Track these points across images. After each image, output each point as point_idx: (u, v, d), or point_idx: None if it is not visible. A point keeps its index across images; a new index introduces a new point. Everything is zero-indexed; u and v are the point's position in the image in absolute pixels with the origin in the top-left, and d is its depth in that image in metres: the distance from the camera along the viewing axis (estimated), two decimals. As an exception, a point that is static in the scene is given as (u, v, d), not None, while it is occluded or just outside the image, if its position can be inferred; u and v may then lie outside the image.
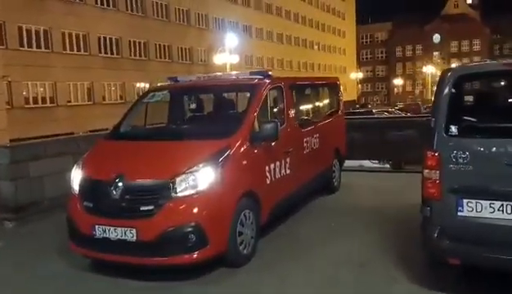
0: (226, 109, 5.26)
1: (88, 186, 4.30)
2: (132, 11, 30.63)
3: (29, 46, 24.45)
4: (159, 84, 5.91)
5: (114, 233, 4.02)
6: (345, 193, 7.09)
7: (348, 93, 65.00)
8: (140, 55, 31.41)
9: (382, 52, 75.72)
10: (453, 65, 4.25)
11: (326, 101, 7.22)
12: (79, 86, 27.30)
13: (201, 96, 5.50)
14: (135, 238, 3.97)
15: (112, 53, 29.23)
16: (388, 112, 30.15)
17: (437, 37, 70.13)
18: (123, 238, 4.00)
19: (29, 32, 24.39)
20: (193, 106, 5.33)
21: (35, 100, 25.04)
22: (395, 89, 73.86)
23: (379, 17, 74.06)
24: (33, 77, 24.36)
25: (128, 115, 5.33)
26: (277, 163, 5.04)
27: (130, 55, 30.53)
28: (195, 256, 3.98)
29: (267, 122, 4.72)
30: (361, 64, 72.34)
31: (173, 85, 5.64)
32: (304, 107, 6.19)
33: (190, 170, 4.03)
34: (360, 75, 67.19)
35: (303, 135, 5.86)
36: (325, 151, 6.60)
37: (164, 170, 4.10)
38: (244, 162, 4.47)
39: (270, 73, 5.33)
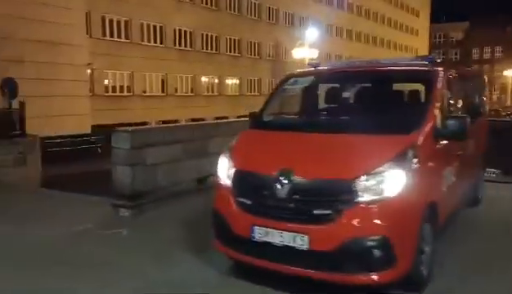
0: (394, 100, 4.46)
1: (245, 180, 3.69)
2: (206, 4, 30.63)
3: (111, 35, 25.06)
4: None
5: (280, 237, 3.40)
6: (492, 206, 6.10)
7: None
8: (211, 49, 31.36)
9: (456, 53, 71.43)
10: None
11: (478, 97, 6.25)
12: (154, 77, 27.65)
13: (356, 84, 4.74)
14: (307, 246, 3.31)
15: (186, 46, 29.37)
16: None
17: (519, 39, 64.99)
18: (291, 244, 3.36)
19: (111, 22, 24.99)
20: (347, 95, 4.60)
21: (114, 89, 25.65)
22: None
23: (454, 16, 69.86)
24: (113, 66, 24.93)
25: (270, 102, 4.69)
26: (451, 168, 4.22)
27: (202, 49, 30.56)
28: (376, 277, 3.26)
29: (454, 118, 3.92)
30: (432, 65, 68.55)
31: (321, 70, 4.93)
32: (465, 102, 5.28)
33: (377, 170, 3.31)
34: None
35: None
36: (475, 156, 5.67)
37: (344, 168, 3.40)
38: (430, 165, 3.69)
39: (438, 59, 4.49)
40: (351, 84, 4.71)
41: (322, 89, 5.16)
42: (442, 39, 72.57)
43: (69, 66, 18.94)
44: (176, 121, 28.49)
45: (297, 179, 3.41)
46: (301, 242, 3.33)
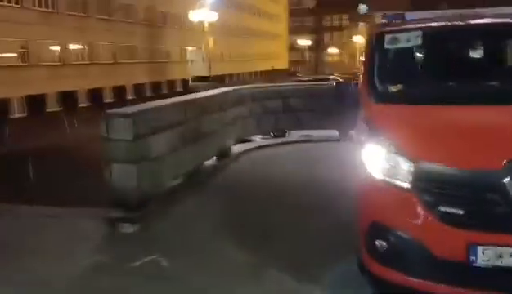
0: None
1: (446, 181, 2.56)
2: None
3: None
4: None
5: None
6: None
7: (281, 61, 64.79)
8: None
9: (310, 21, 76.10)
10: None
11: None
12: (12, 44, 22.83)
13: (484, 40, 3.72)
14: None
15: (47, 7, 24.84)
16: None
17: (363, 8, 71.90)
18: None
19: None
20: (477, 54, 3.73)
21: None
22: (324, 58, 75.19)
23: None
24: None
25: (377, 68, 3.59)
26: None
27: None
28: None
29: None
30: (291, 31, 72.06)
31: (433, 25, 3.97)
32: None
33: None
34: (308, 42, 67.30)
35: None
36: None
37: None
38: None
39: None
40: (478, 41, 3.80)
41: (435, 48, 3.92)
42: (296, 7, 76.28)
43: None
44: (43, 95, 24.37)
45: None
46: None
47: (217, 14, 26.50)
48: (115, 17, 30.26)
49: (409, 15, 4.13)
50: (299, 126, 8.37)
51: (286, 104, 8.04)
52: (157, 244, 4.06)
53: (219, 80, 36.80)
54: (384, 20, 4.17)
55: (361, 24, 72.42)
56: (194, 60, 41.06)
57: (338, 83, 3.75)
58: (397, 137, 2.80)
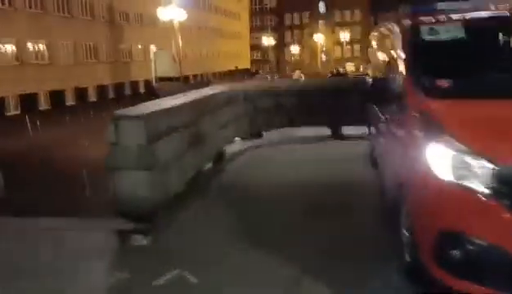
0: None
1: None
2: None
3: None
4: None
5: None
6: None
7: (243, 61, 64.56)
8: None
9: (271, 20, 76.27)
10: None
11: None
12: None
13: None
14: None
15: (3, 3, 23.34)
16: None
17: (322, 6, 73.07)
18: None
19: None
20: None
21: None
22: (285, 57, 75.65)
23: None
24: None
25: (421, 62, 3.42)
26: None
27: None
28: None
29: None
30: (252, 30, 71.96)
31: (471, 14, 3.83)
32: None
33: None
34: (270, 41, 67.20)
35: None
36: None
37: None
38: None
39: None
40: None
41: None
42: (258, 6, 76.29)
43: None
44: (2, 99, 22.90)
45: None
46: None
47: (184, 12, 25.84)
48: (76, 15, 28.95)
49: (441, 5, 4.00)
50: (291, 124, 8.24)
51: (279, 103, 7.88)
52: (175, 257, 3.75)
53: (184, 81, 36.05)
54: (412, 12, 3.99)
55: (321, 22, 73.60)
56: (160, 60, 40.04)
57: (374, 80, 3.59)
58: (470, 137, 2.60)
